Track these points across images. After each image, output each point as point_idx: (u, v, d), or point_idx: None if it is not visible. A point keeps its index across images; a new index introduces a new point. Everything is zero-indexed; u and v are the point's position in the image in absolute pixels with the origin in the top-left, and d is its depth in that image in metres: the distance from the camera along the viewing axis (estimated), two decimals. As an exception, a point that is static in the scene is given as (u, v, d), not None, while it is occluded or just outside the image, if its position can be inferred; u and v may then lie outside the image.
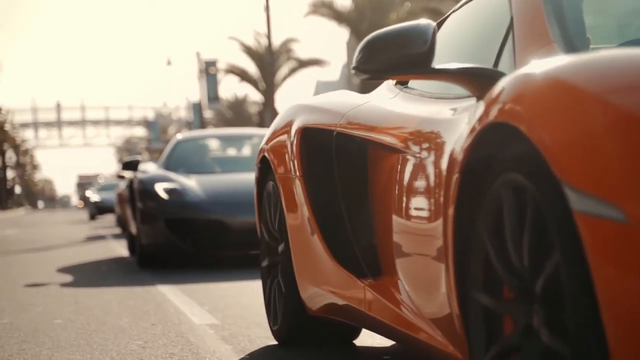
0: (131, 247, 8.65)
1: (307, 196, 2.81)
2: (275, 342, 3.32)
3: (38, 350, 3.36)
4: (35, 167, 76.70)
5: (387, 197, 2.40)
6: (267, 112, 31.04)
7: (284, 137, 3.05)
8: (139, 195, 7.19)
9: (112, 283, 6.07)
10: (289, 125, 3.04)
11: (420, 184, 2.17)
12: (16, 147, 59.70)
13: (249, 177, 7.14)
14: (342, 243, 2.67)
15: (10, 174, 59.69)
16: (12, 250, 11.06)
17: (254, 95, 50.79)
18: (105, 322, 4.06)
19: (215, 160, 8.40)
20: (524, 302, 1.62)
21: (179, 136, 8.87)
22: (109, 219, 24.57)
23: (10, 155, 59.48)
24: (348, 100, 2.88)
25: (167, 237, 6.85)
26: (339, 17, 28.66)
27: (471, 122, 1.79)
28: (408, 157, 2.28)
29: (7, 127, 50.99)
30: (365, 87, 28.25)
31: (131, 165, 8.04)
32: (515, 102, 1.57)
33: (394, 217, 2.33)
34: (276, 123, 3.23)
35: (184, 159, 8.07)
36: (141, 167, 7.88)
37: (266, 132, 9.91)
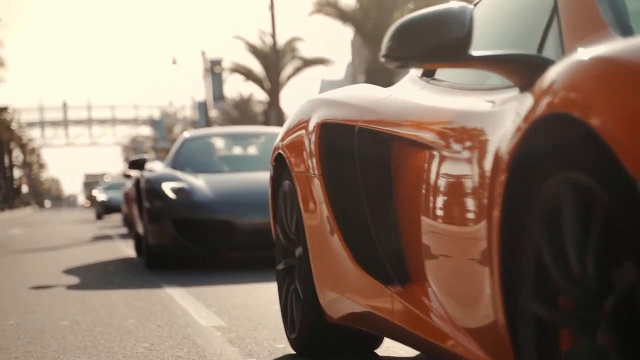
0: (138, 248, 8.55)
1: (326, 196, 2.62)
2: (281, 345, 3.31)
3: (44, 353, 3.35)
4: (42, 166, 76.85)
5: (415, 197, 2.22)
6: (272, 111, 31.03)
7: (301, 133, 2.84)
8: (146, 194, 7.04)
9: (118, 284, 6.06)
10: (306, 120, 2.84)
11: (456, 183, 1.99)
12: (23, 146, 59.82)
13: (258, 177, 6.96)
14: (365, 246, 2.47)
15: (17, 173, 59.81)
16: (18, 250, 11.07)
17: (259, 95, 50.80)
18: (111, 324, 4.04)
19: (223, 159, 8.22)
20: (585, 313, 1.46)
21: (186, 134, 8.69)
22: (116, 218, 24.58)
23: (17, 154, 59.60)
24: (370, 94, 2.67)
25: (175, 238, 6.71)
26: (343, 16, 28.61)
27: (519, 115, 1.62)
28: (440, 154, 2.09)
29: (14, 126, 51.08)
30: (372, 83, 28.17)
31: (138, 164, 7.90)
32: (574, 91, 1.40)
33: (423, 218, 2.15)
34: (292, 119, 3.03)
35: (191, 158, 7.89)
36: (148, 165, 7.75)
37: (275, 130, 9.44)
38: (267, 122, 31.45)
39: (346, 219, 2.57)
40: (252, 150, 8.49)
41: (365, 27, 28.28)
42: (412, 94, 2.50)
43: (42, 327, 4.02)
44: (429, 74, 2.57)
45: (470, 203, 1.88)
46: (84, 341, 3.58)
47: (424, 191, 2.15)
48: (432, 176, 2.11)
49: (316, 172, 2.67)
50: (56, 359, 3.22)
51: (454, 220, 2.00)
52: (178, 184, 6.95)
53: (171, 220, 6.73)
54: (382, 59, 2.05)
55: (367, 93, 2.70)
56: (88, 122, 65.79)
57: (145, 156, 8.19)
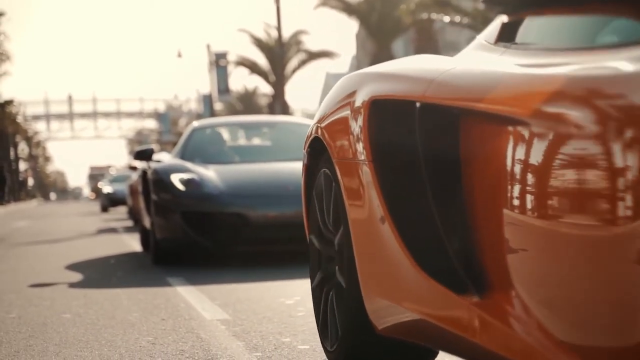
0: (144, 242, 8.29)
1: (378, 185, 2.15)
2: (287, 339, 3.24)
3: (45, 347, 3.29)
4: (47, 159, 76.94)
5: (496, 186, 1.78)
6: (277, 104, 30.95)
7: (345, 113, 2.37)
8: (154, 186, 6.68)
9: (121, 276, 6.01)
10: (351, 98, 2.36)
11: (575, 166, 1.54)
12: (28, 139, 59.87)
13: (271, 168, 6.73)
14: (428, 246, 2.01)
15: (22, 166, 59.89)
16: (23, 242, 11.03)
17: (264, 88, 50.71)
18: (115, 317, 3.98)
19: (234, 149, 7.77)
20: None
21: (195, 124, 8.20)
22: (121, 210, 24.54)
23: (23, 147, 59.67)
24: (434, 65, 2.16)
25: (184, 232, 6.33)
26: (348, 9, 28.51)
27: None
28: (542, 131, 1.63)
29: (19, 119, 51.10)
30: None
31: (145, 155, 7.40)
32: None
33: (508, 212, 1.72)
34: (332, 97, 2.55)
35: (201, 148, 7.48)
36: (155, 156, 7.37)
37: (289, 119, 8.73)
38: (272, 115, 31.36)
39: (404, 212, 2.11)
40: (265, 140, 8.05)
41: (370, 19, 28.17)
42: (490, 61, 2.01)
43: (44, 320, 3.97)
44: (507, 38, 2.09)
45: (608, 192, 1.46)
46: (86, 334, 3.52)
47: (511, 179, 1.72)
48: (532, 160, 1.66)
49: (365, 157, 2.21)
50: (57, 353, 3.16)
51: (571, 216, 1.55)
52: (187, 175, 6.59)
53: (180, 213, 6.38)
54: (483, 4, 1.81)
55: (429, 63, 2.20)
56: (93, 115, 65.84)
57: (153, 146, 7.69)
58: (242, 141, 8.06)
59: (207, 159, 7.17)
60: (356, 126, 2.27)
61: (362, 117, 2.24)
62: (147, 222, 7.49)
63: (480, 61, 2.06)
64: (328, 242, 2.59)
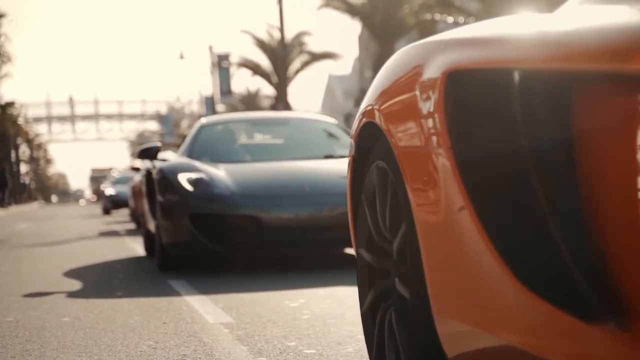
0: (148, 246, 7.76)
1: (461, 179, 1.63)
2: (292, 343, 3.13)
3: (42, 351, 3.18)
4: (48, 161, 76.93)
5: (635, 177, 1.31)
6: (279, 106, 30.84)
7: (410, 90, 1.86)
8: (160, 186, 6.16)
9: (122, 279, 5.90)
10: (418, 72, 1.84)
11: None
12: (30, 141, 59.85)
13: (285, 166, 6.31)
14: (535, 254, 1.51)
15: (23, 168, 59.86)
16: (23, 244, 10.93)
17: (267, 89, 50.64)
18: (115, 321, 3.88)
19: (245, 147, 7.15)
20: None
21: (203, 120, 7.58)
22: (123, 212, 24.44)
23: (24, 150, 59.65)
24: (533, 23, 1.61)
25: (192, 236, 5.82)
26: (351, 10, 28.43)
27: None
28: None
29: (21, 121, 51.07)
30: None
31: (149, 153, 6.82)
32: None
33: None
34: (391, 72, 2.04)
35: (209, 146, 6.95)
36: (161, 155, 6.85)
37: (304, 115, 8.22)
38: (274, 117, 31.25)
39: (499, 212, 1.59)
40: (278, 137, 7.38)
41: (373, 20, 28.08)
42: (612, 12, 1.50)
43: (42, 324, 3.86)
44: None
45: None
46: (85, 339, 3.42)
47: None
48: None
49: (442, 144, 1.69)
50: (55, 358, 3.05)
51: None
52: (196, 174, 6.06)
53: (188, 216, 5.86)
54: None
55: (527, 22, 1.66)
56: (95, 117, 65.82)
57: (158, 144, 6.98)
58: (253, 139, 7.46)
59: (216, 158, 6.68)
60: (427, 106, 1.76)
61: (436, 94, 1.73)
62: (151, 225, 7.04)
63: (597, 15, 1.54)
64: (383, 253, 2.17)
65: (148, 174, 7.18)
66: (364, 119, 2.20)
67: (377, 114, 2.07)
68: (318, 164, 6.38)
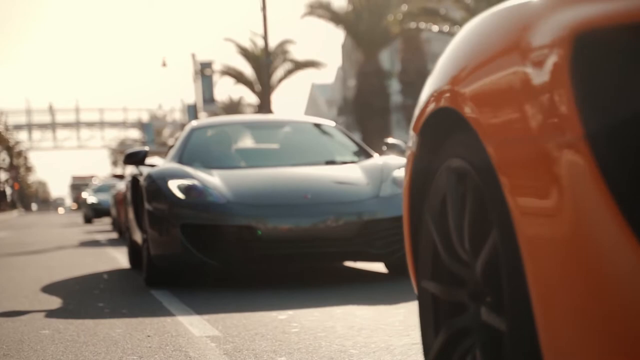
0: (133, 259, 7.25)
1: (603, 177, 1.16)
2: (282, 358, 3.01)
3: (21, 367, 3.04)
4: (29, 169, 76.24)
5: None
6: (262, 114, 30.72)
7: (512, 63, 1.36)
8: (148, 194, 5.63)
9: (104, 289, 5.74)
10: (523, 37, 1.35)
11: None
12: (10, 149, 59.25)
13: (284, 173, 5.81)
14: None
15: (3, 176, 59.25)
16: (1, 253, 10.71)
17: (250, 97, 50.51)
18: (96, 333, 3.73)
19: (240, 152, 6.64)
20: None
21: (194, 123, 7.02)
22: (105, 221, 24.13)
23: (4, 157, 59.06)
24: None
25: (184, 248, 5.31)
26: (335, 18, 28.38)
27: None
28: None
29: (1, 128, 50.54)
30: (363, 87, 28.01)
31: (136, 158, 6.24)
32: None
33: None
34: (475, 41, 1.56)
35: (201, 151, 6.44)
36: (148, 160, 6.34)
37: (302, 118, 7.41)
38: (257, 125, 31.11)
39: None
40: (274, 142, 6.87)
41: (357, 29, 28.05)
42: None
43: (21, 337, 3.71)
44: None
45: None
46: (65, 353, 3.27)
47: None
48: None
49: (570, 132, 1.21)
50: (34, 374, 2.90)
51: None
52: (187, 181, 5.55)
53: (180, 226, 5.34)
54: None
55: None
56: (76, 125, 65.31)
57: (146, 148, 6.43)
58: (247, 143, 6.96)
59: (208, 163, 6.13)
60: (544, 81, 1.28)
61: (559, 64, 1.24)
62: (137, 236, 6.49)
63: None
64: (457, 280, 1.71)
65: (134, 180, 6.72)
66: (432, 106, 1.71)
67: (455, 97, 1.58)
68: (319, 171, 5.93)
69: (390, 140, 6.65)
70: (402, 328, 3.56)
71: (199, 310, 4.33)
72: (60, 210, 76.15)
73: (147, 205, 5.63)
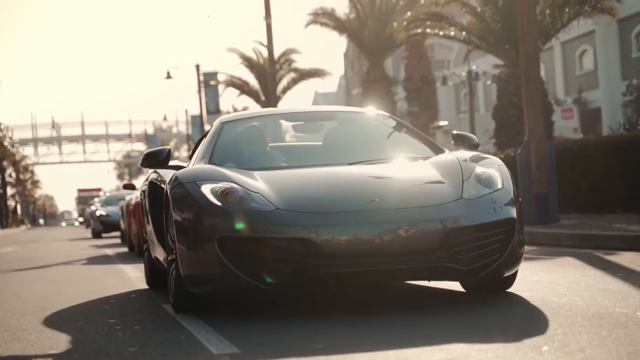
0: (151, 279, 6.31)
1: None
2: (311, 377, 2.78)
3: (28, 392, 2.82)
4: (35, 183, 76.25)
5: None
6: (269, 124, 30.46)
7: None
8: (176, 201, 4.56)
9: (114, 304, 5.52)
10: None
11: None
12: (16, 164, 59.26)
13: (343, 173, 4.71)
14: None
15: (9, 191, 59.21)
16: (8, 269, 10.51)
17: (254, 108, 50.38)
18: (108, 353, 3.52)
19: (281, 149, 5.58)
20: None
21: (223, 118, 5.80)
22: (115, 234, 23.61)
23: (10, 172, 59.05)
24: None
25: (223, 267, 4.20)
26: (340, 26, 28.22)
27: None
28: None
29: (7, 143, 50.52)
30: (368, 94, 27.82)
31: (157, 158, 5.24)
32: None
33: None
34: None
35: (234, 149, 5.33)
36: (172, 162, 5.32)
37: (354, 109, 6.20)
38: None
39: None
40: (320, 137, 5.73)
41: (362, 37, 27.88)
42: None
43: (27, 359, 3.49)
44: None
45: None
46: (76, 375, 3.06)
47: None
48: None
49: None
50: (42, 400, 2.69)
51: None
52: (224, 184, 4.45)
53: (216, 240, 4.24)
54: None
55: None
56: (81, 138, 65.30)
57: (168, 147, 5.47)
58: (289, 138, 5.94)
59: (244, 163, 5.01)
60: None
61: None
62: (159, 252, 5.50)
63: None
64: None
65: (152, 186, 5.77)
66: None
67: None
68: (384, 169, 4.79)
69: (455, 132, 5.44)
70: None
71: (216, 326, 4.11)
72: (63, 224, 75.75)
73: (174, 215, 4.55)
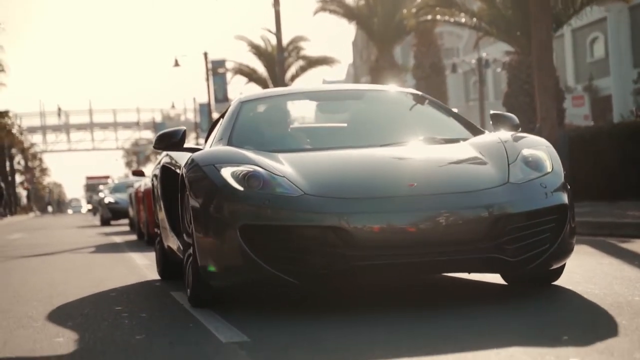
0: (163, 269, 5.97)
1: None
2: (323, 367, 2.69)
3: (32, 381, 2.75)
4: (43, 171, 76.46)
5: None
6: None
7: None
8: (193, 186, 4.18)
9: (121, 291, 5.45)
10: None
11: None
12: (24, 151, 59.39)
13: (376, 155, 4.34)
14: None
15: (18, 178, 59.37)
16: (16, 255, 10.47)
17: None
18: (115, 341, 3.44)
19: (307, 131, 5.13)
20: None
21: (242, 97, 5.35)
22: (124, 221, 23.60)
23: (19, 160, 59.19)
24: None
25: (245, 258, 3.82)
26: (349, 13, 28.04)
27: None
28: None
29: (15, 131, 50.59)
30: (377, 82, 27.65)
31: (171, 140, 4.84)
32: None
33: None
34: None
35: (255, 129, 4.91)
36: (188, 145, 4.91)
37: (388, 87, 5.58)
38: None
39: None
40: (349, 117, 5.25)
41: (371, 24, 27.70)
42: None
43: (32, 346, 3.42)
44: None
45: None
46: (81, 364, 2.98)
47: None
48: None
49: None
50: (46, 389, 2.61)
51: None
52: (247, 167, 4.06)
53: (238, 229, 3.85)
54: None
55: None
56: (89, 126, 65.37)
57: (183, 128, 4.98)
58: (315, 118, 5.49)
59: (266, 145, 4.60)
60: None
61: None
62: (172, 241, 5.17)
63: None
64: None
65: (165, 170, 5.43)
66: None
67: None
68: (422, 151, 4.42)
69: (493, 111, 4.98)
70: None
71: (225, 314, 4.02)
72: (69, 211, 75.86)
73: (191, 201, 4.16)
